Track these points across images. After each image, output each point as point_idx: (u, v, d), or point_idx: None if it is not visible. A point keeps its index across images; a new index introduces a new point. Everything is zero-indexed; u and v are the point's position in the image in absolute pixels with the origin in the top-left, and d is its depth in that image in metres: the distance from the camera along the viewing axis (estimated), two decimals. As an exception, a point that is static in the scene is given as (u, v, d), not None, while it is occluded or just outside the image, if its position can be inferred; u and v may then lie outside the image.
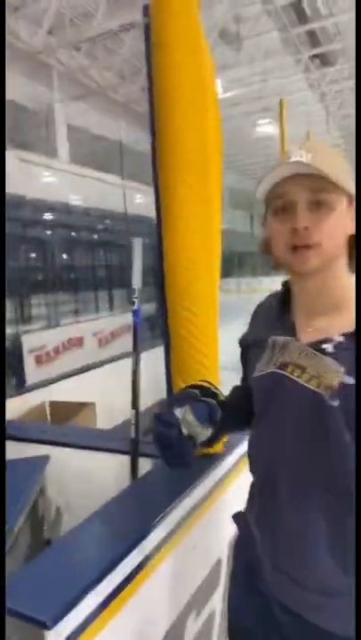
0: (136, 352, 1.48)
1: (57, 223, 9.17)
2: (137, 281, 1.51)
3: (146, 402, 1.78)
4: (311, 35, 10.78)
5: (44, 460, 1.60)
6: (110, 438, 1.73)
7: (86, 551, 1.04)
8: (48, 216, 8.83)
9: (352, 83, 13.83)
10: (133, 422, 1.49)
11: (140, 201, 10.34)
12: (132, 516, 1.15)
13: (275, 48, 10.88)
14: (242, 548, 1.00)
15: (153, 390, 1.88)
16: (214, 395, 1.03)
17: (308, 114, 13.44)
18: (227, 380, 1.54)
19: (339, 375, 0.78)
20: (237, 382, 1.13)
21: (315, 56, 11.49)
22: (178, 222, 1.34)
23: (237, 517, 1.02)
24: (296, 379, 0.83)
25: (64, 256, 8.67)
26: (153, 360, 1.63)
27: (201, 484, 1.29)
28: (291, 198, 0.81)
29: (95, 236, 9.43)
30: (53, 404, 2.56)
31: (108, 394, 2.79)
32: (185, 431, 0.91)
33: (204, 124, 1.33)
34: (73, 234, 9.67)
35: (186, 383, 1.41)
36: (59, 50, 9.69)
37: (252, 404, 0.96)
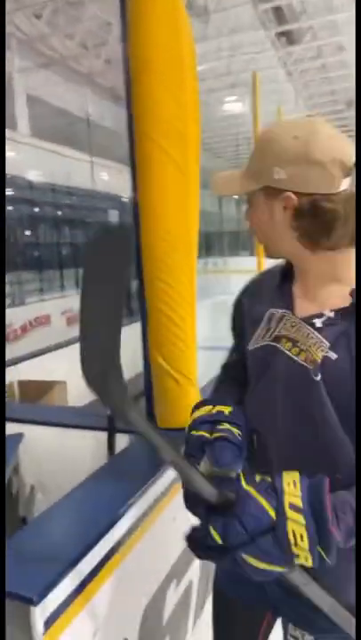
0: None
1: (18, 199, 8.87)
2: None
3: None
4: (277, 11, 10.68)
5: (18, 438, 1.57)
6: (84, 415, 1.71)
7: (68, 528, 1.03)
8: (8, 191, 8.52)
9: (318, 62, 13.87)
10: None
11: (106, 178, 10.12)
12: (112, 492, 1.15)
13: (243, 23, 10.73)
14: None
15: (130, 366, 1.85)
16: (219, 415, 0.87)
17: (277, 92, 13.41)
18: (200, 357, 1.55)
19: (323, 350, 0.79)
20: (209, 360, 1.10)
21: (281, 34, 11.40)
22: (154, 192, 1.32)
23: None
24: (287, 351, 0.84)
25: (27, 233, 8.43)
26: (130, 335, 1.61)
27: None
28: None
29: (60, 213, 9.19)
30: (22, 384, 2.50)
31: (79, 372, 2.72)
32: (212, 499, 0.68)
33: (183, 94, 1.29)
34: (36, 210, 9.38)
35: (163, 356, 1.41)
36: (17, 15, 9.24)
37: (246, 378, 0.96)
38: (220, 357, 1.08)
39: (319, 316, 0.82)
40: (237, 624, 1.06)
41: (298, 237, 0.82)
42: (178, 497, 1.24)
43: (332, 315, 0.81)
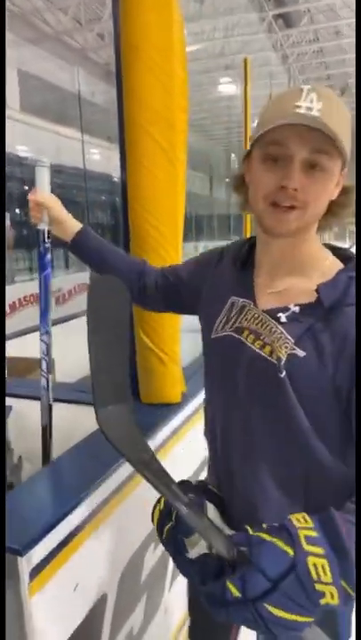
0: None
1: (7, 176, 8.75)
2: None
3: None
4: (276, -8, 10.55)
5: (7, 409, 1.64)
6: (71, 391, 1.77)
7: (53, 490, 1.11)
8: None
9: (315, 46, 13.74)
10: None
11: (97, 157, 9.99)
12: (95, 460, 1.22)
13: (240, 3, 10.57)
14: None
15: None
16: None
17: (271, 75, 13.28)
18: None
19: (287, 346, 0.77)
20: (194, 341, 1.12)
21: (279, 16, 11.26)
22: (142, 177, 1.35)
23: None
24: (251, 345, 0.82)
25: (17, 211, 8.34)
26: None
27: (160, 431, 1.37)
28: (287, 152, 0.73)
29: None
30: (11, 360, 2.55)
31: (67, 351, 2.79)
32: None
33: (171, 82, 1.33)
34: (26, 188, 9.28)
35: (148, 335, 1.47)
36: (10, -14, 9.02)
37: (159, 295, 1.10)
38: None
39: (284, 310, 0.80)
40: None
41: (326, 215, 0.81)
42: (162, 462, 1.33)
43: (297, 310, 0.79)
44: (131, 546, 1.24)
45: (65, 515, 0.97)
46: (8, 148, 8.19)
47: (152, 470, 0.67)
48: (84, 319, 1.93)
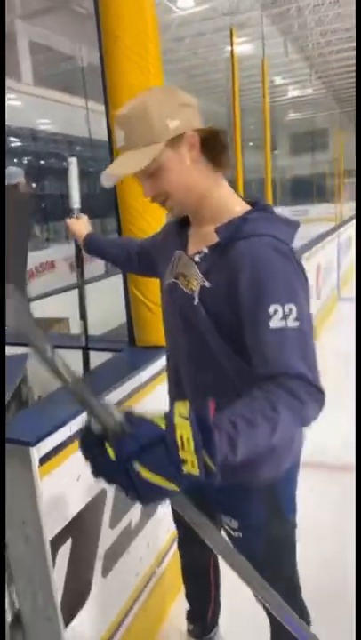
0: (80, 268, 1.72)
1: (24, 150, 8.97)
2: (75, 201, 1.65)
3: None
4: None
5: (24, 356, 1.93)
6: (67, 340, 2.04)
7: (60, 406, 1.37)
8: (15, 143, 8.62)
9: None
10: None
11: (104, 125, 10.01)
12: (106, 380, 1.48)
13: None
14: None
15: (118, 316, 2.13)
16: None
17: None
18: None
19: (197, 280, 0.99)
20: None
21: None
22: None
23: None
24: (181, 285, 1.04)
25: (33, 185, 8.60)
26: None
27: (151, 366, 1.64)
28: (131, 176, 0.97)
29: (64, 164, 9.30)
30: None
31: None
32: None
33: (147, 64, 1.52)
34: (42, 162, 9.50)
35: (138, 289, 1.72)
36: None
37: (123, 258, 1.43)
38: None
39: (199, 252, 1.01)
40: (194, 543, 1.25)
41: (206, 168, 0.96)
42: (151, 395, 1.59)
43: (207, 250, 0.99)
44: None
45: (71, 416, 1.23)
46: (23, 123, 8.32)
47: (47, 356, 0.69)
48: (94, 285, 2.24)
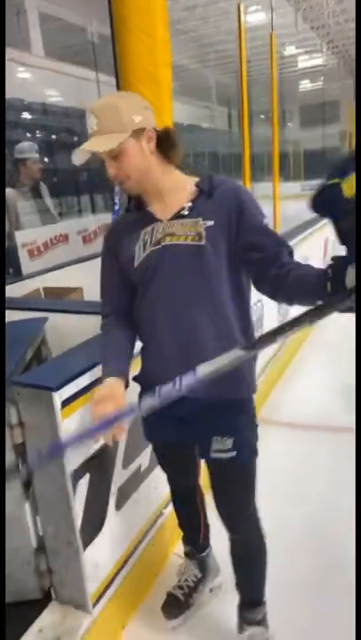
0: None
1: (36, 125, 9.00)
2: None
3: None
4: None
5: (43, 319, 2.10)
6: (95, 306, 2.21)
7: (79, 358, 1.53)
8: (26, 117, 8.66)
9: None
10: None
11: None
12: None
13: None
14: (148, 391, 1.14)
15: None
16: None
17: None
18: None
19: (200, 223, 1.17)
20: None
21: None
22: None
23: (140, 377, 1.38)
24: (170, 242, 1.19)
25: (45, 160, 8.67)
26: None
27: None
28: (99, 157, 1.15)
29: (76, 139, 9.35)
30: (47, 289, 3.03)
31: (94, 282, 3.22)
32: None
33: (155, 44, 1.65)
34: (53, 137, 9.52)
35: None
36: None
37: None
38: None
39: (181, 209, 1.20)
40: (176, 461, 1.54)
41: (160, 160, 1.19)
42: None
43: (190, 204, 1.21)
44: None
45: (88, 368, 1.40)
46: (34, 96, 8.30)
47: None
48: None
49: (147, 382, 1.33)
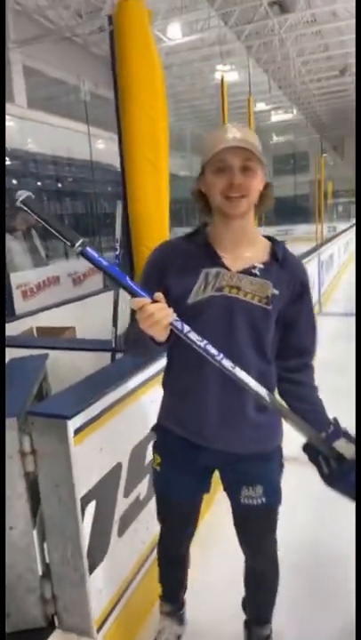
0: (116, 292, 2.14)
1: (21, 172, 9.27)
2: (118, 232, 2.11)
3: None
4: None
5: (45, 355, 2.21)
6: (91, 343, 2.35)
7: (93, 386, 1.64)
8: (13, 165, 8.93)
9: (315, 28, 13.90)
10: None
11: (102, 146, 10.42)
12: (114, 374, 1.76)
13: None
14: (174, 435, 1.38)
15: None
16: None
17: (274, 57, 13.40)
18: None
19: (270, 288, 1.20)
20: None
21: (273, 3, 11.51)
22: (137, 180, 1.90)
23: (161, 424, 1.45)
24: (235, 295, 1.19)
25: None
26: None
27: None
28: (229, 163, 1.13)
29: (60, 185, 9.65)
30: (40, 329, 3.14)
31: (85, 321, 3.38)
32: None
33: (156, 114, 1.87)
34: (38, 183, 9.80)
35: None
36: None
37: None
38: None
39: (254, 267, 1.21)
40: (181, 518, 1.55)
41: (257, 201, 1.20)
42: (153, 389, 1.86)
43: (262, 266, 1.22)
44: (139, 434, 1.80)
45: (97, 399, 1.52)
46: (18, 145, 8.59)
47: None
48: (96, 297, 2.64)
49: (178, 430, 1.38)
